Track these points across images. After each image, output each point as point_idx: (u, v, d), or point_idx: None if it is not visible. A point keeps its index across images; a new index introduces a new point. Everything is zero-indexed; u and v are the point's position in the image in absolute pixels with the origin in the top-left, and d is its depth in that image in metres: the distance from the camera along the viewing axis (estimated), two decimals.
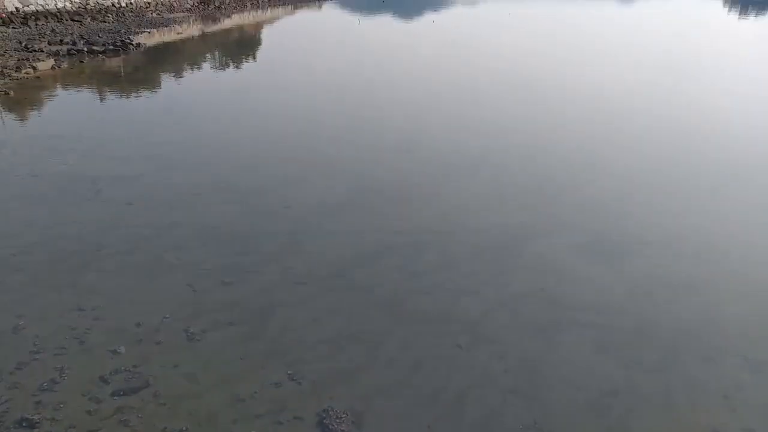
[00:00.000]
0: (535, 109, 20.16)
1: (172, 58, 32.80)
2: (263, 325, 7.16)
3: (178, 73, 27.08)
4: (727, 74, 30.34)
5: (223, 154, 14.03)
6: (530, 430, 5.67)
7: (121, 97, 20.93)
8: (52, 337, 6.76)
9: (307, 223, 10.19)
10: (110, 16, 47.40)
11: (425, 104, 20.69)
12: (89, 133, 15.63)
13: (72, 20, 42.18)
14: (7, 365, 6.28)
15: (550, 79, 26.98)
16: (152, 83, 24.13)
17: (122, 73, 26.42)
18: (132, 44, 33.30)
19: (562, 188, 12.23)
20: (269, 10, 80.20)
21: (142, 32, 40.96)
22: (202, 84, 25.07)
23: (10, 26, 35.85)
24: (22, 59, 25.87)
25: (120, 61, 29.20)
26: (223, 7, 72.44)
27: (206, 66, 30.69)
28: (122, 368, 6.27)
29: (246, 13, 70.33)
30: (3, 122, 16.65)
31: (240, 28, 54.90)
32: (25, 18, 38.34)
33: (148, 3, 57.57)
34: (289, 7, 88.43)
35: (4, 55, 26.27)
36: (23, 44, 30.00)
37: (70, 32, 36.79)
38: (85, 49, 30.48)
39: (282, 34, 52.94)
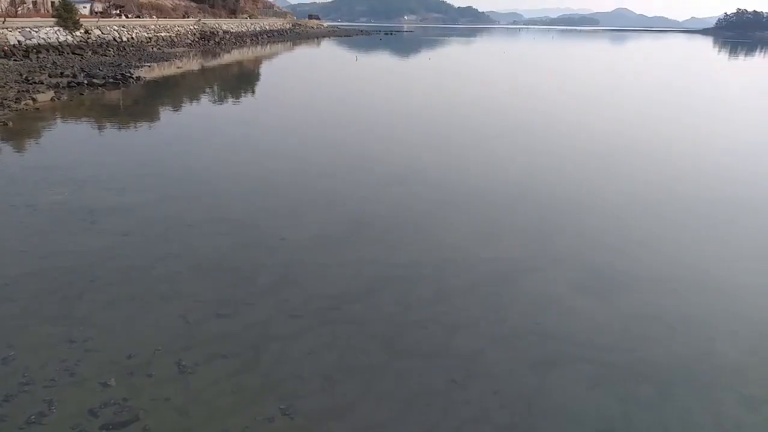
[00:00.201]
0: (530, 145, 20.40)
1: (172, 91, 33.18)
2: (257, 359, 7.09)
3: (176, 107, 27.38)
4: (722, 114, 30.84)
5: (219, 187, 14.08)
6: None
7: (119, 129, 21.10)
8: (42, 369, 6.67)
9: (301, 255, 10.18)
10: (111, 50, 48.12)
11: (420, 139, 20.91)
12: (86, 164, 15.70)
13: (73, 53, 42.78)
14: None
15: (545, 116, 27.36)
16: (151, 116, 24.36)
17: (121, 106, 26.68)
18: (132, 77, 33.76)
19: (557, 223, 12.30)
20: (269, 45, 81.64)
21: (142, 66, 41.55)
22: (200, 117, 25.32)
23: (12, 59, 36.28)
24: (22, 91, 26.15)
25: (119, 93, 29.53)
26: (223, 42, 73.71)
27: (205, 100, 31.06)
28: (112, 401, 6.17)
29: (245, 49, 71.51)
30: (0, 152, 16.72)
31: (239, 63, 55.73)
32: (27, 51, 38.86)
33: (149, 38, 58.54)
34: (289, 43, 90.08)
35: (4, 87, 26.53)
36: (24, 76, 30.36)
37: (71, 65, 37.29)
38: (86, 81, 30.87)
39: (281, 70, 53.73)
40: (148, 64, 43.62)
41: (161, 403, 6.20)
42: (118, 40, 52.49)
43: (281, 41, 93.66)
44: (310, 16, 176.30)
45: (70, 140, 19.12)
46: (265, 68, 53.52)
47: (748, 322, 8.46)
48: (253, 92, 35.63)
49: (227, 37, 78.63)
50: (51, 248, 10.07)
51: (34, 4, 58.00)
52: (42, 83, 29.13)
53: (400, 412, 6.28)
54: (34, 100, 24.56)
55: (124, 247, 10.19)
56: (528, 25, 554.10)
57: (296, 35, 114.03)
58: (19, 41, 39.82)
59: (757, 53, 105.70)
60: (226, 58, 58.65)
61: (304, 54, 74.45)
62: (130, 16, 69.54)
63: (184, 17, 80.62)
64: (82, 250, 9.98)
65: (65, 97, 26.43)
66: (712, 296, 9.31)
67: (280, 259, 10.04)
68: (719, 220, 12.89)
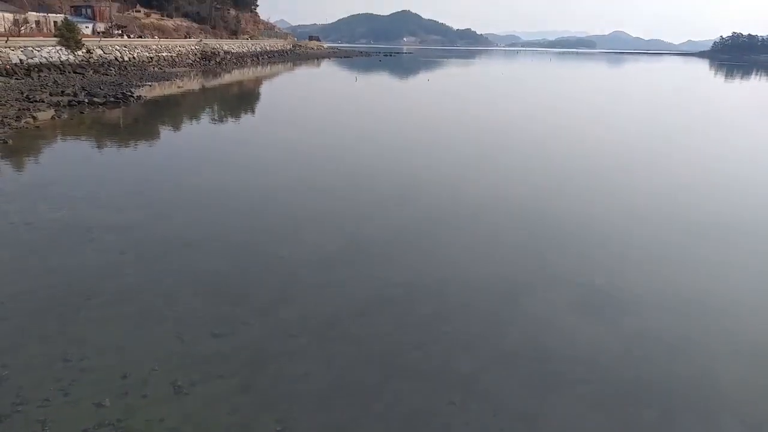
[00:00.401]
0: (529, 165, 20.47)
1: (172, 110, 33.36)
2: (253, 378, 7.02)
3: (176, 125, 27.51)
4: (722, 135, 31.02)
5: (217, 206, 14.08)
6: None
7: (118, 147, 21.16)
8: (37, 389, 6.59)
9: (299, 274, 10.15)
10: (113, 69, 48.49)
11: (418, 158, 20.98)
12: (85, 182, 15.72)
13: (75, 72, 43.09)
14: None
15: (544, 135, 27.53)
16: (150, 134, 24.46)
17: (121, 124, 26.79)
18: (133, 96, 33.97)
19: (556, 243, 12.28)
20: (269, 66, 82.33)
21: (143, 85, 41.82)
22: (199, 136, 25.42)
23: (14, 77, 36.53)
24: (23, 109, 26.27)
25: (120, 112, 29.67)
26: (224, 63, 74.36)
27: (204, 119, 31.22)
28: (106, 422, 6.09)
29: (246, 69, 72.10)
30: None
31: (239, 83, 56.13)
32: (29, 70, 39.14)
33: (151, 58, 59.05)
34: (289, 63, 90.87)
35: (5, 105, 26.65)
36: (25, 95, 30.53)
37: (72, 84, 37.52)
38: (86, 100, 31.04)
39: (280, 89, 54.11)
40: (149, 83, 43.91)
41: (156, 424, 6.12)
42: (120, 59, 52.94)
43: (282, 62, 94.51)
44: (311, 38, 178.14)
45: (70, 158, 19.16)
46: (264, 88, 53.92)
47: (748, 343, 8.41)
48: (253, 111, 35.84)
49: (228, 57, 79.38)
50: (47, 266, 10.02)
51: (37, 23, 58.54)
52: (43, 102, 29.28)
53: None
54: (34, 118, 24.66)
55: (120, 265, 10.15)
56: (526, 47, 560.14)
57: (296, 56, 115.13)
58: (21, 60, 40.14)
59: (753, 76, 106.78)
60: (227, 78, 59.10)
61: (303, 74, 75.07)
62: (132, 36, 70.18)
63: (185, 38, 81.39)
64: (78, 268, 9.94)
65: (65, 116, 26.55)
66: (712, 316, 9.26)
67: (278, 277, 10.00)
68: (719, 240, 12.88)
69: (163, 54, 62.93)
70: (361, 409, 6.57)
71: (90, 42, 51.39)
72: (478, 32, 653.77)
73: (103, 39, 58.14)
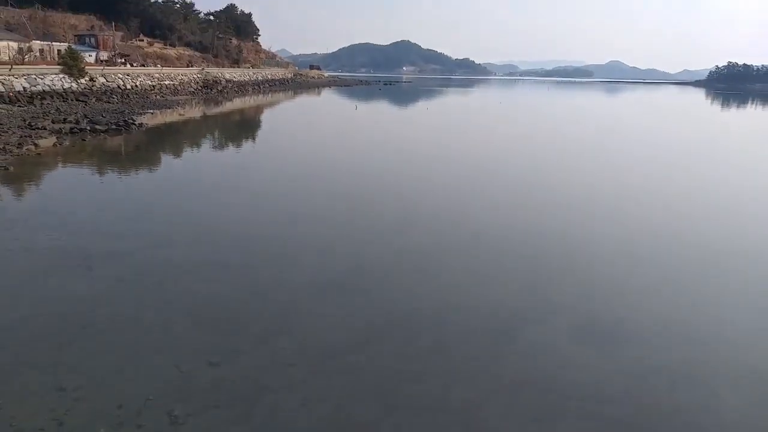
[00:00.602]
0: (528, 193, 20.53)
1: (173, 138, 33.58)
2: (250, 409, 6.92)
3: (177, 153, 27.66)
4: (724, 163, 31.18)
5: (216, 233, 14.07)
6: None
7: (119, 174, 21.25)
8: (31, 419, 6.49)
9: (297, 303, 10.09)
10: (115, 97, 48.95)
11: (418, 187, 21.05)
12: (85, 209, 15.74)
13: (77, 100, 43.50)
14: None
15: (544, 164, 27.66)
16: (151, 162, 24.58)
17: (123, 152, 26.95)
18: (134, 124, 34.22)
19: (557, 272, 12.25)
20: (270, 94, 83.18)
21: (145, 113, 42.18)
22: (199, 163, 25.55)
23: (17, 104, 36.86)
24: (25, 136, 26.44)
25: (121, 139, 29.87)
26: (225, 91, 75.14)
27: (205, 146, 31.42)
28: None
29: (247, 97, 72.82)
30: None
31: (240, 111, 56.63)
32: (32, 97, 39.52)
33: (153, 86, 59.65)
34: (290, 92, 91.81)
35: (7, 132, 26.82)
36: (27, 122, 30.76)
37: (75, 111, 37.84)
38: (88, 127, 31.26)
39: (281, 117, 54.56)
40: (151, 111, 44.30)
41: None
42: (122, 87, 53.48)
43: (282, 90, 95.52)
44: (312, 67, 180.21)
45: (70, 185, 19.22)
46: (265, 116, 54.37)
47: (751, 374, 8.32)
48: (253, 139, 36.08)
49: (230, 85, 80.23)
50: (44, 293, 9.97)
51: (41, 51, 59.31)
52: (45, 129, 29.49)
53: None
54: (36, 145, 24.81)
55: (118, 293, 10.10)
56: (524, 76, 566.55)
57: (297, 84, 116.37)
58: (24, 87, 40.54)
59: (749, 104, 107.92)
60: (228, 105, 59.64)
61: (304, 102, 75.78)
62: (135, 64, 71.06)
63: (188, 66, 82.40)
64: (75, 296, 9.88)
65: (67, 143, 26.72)
66: (714, 347, 9.18)
67: (276, 306, 9.94)
68: (720, 270, 12.85)
69: (166, 82, 63.60)
70: None
71: (93, 70, 51.99)
72: (476, 61, 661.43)
73: (106, 67, 58.86)
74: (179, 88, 65.29)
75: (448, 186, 21.45)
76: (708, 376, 8.28)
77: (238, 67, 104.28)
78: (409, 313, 9.86)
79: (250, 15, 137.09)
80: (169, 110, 47.08)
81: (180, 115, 45.18)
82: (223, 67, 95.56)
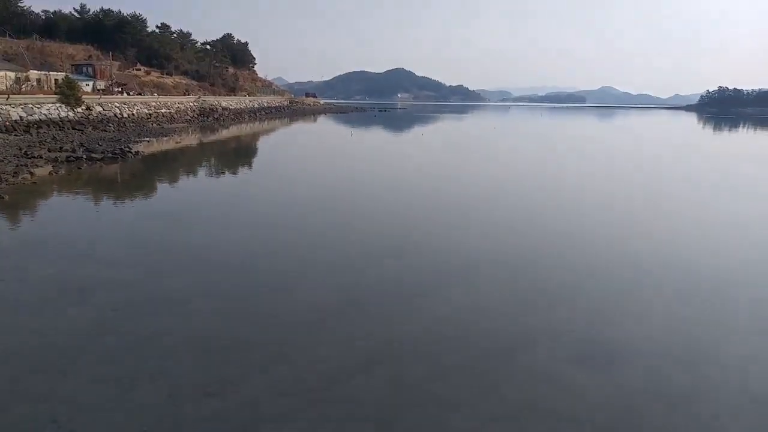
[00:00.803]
0: (524, 217, 20.56)
1: (169, 165, 33.68)
2: None
3: (173, 181, 27.71)
4: (722, 185, 31.35)
5: (212, 262, 14.01)
6: None
7: (114, 203, 21.23)
8: None
9: (293, 331, 10.01)
10: (111, 125, 49.21)
11: (414, 213, 21.08)
12: (80, 238, 15.68)
13: (74, 129, 43.70)
14: None
15: (540, 188, 27.77)
16: (147, 190, 24.59)
17: (118, 180, 26.97)
18: (131, 152, 34.33)
19: (553, 296, 12.20)
20: (266, 121, 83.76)
21: (141, 141, 42.36)
22: (195, 191, 25.57)
23: (13, 134, 36.98)
24: (21, 165, 26.47)
25: (117, 168, 29.92)
26: (222, 118, 75.68)
27: (201, 173, 31.49)
28: None
29: (244, 125, 73.30)
30: None
31: (237, 138, 56.93)
32: (28, 126, 39.69)
33: (150, 114, 60.05)
34: (286, 119, 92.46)
35: (2, 161, 26.86)
36: (23, 151, 30.83)
37: (71, 140, 37.98)
38: (84, 156, 31.34)
39: (276, 144, 54.82)
40: (147, 139, 44.52)
41: None
42: (119, 116, 53.80)
43: (279, 117, 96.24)
44: (307, 94, 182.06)
45: (65, 214, 19.18)
46: (261, 143, 54.64)
47: (751, 398, 8.25)
48: (249, 166, 36.20)
49: (226, 113, 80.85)
50: (37, 324, 9.87)
51: (38, 81, 59.78)
52: (41, 157, 29.55)
53: None
54: (31, 174, 24.82)
55: (112, 322, 10.00)
56: (517, 102, 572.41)
57: (293, 112, 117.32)
58: (20, 117, 40.75)
59: (740, 128, 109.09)
60: (224, 133, 59.97)
61: (300, 129, 76.26)
62: (131, 93, 71.61)
63: (184, 95, 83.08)
64: (69, 326, 9.78)
65: (63, 171, 26.74)
66: (714, 371, 9.12)
67: (272, 335, 9.85)
68: (718, 292, 12.82)
69: (162, 110, 64.05)
70: None
71: (90, 99, 52.36)
72: (470, 88, 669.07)
73: (103, 96, 59.30)
74: (176, 116, 65.72)
75: (444, 211, 21.47)
76: (708, 400, 8.20)
77: (235, 95, 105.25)
78: (405, 340, 9.78)
79: (246, 44, 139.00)
80: (165, 138, 47.30)
81: (176, 143, 45.37)
82: (219, 95, 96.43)
